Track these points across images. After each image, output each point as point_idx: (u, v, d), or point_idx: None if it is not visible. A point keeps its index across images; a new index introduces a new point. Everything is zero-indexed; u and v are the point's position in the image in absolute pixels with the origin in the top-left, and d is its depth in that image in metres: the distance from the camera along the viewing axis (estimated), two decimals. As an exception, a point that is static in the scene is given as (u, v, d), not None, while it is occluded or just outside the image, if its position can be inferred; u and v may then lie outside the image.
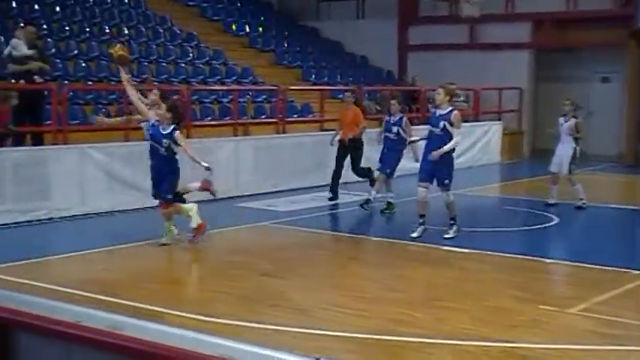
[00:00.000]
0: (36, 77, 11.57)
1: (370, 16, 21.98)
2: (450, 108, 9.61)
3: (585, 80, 19.28)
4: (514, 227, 11.03)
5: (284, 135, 14.21)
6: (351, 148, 12.43)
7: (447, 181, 9.44)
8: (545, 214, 11.56)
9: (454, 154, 9.71)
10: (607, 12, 18.64)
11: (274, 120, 14.57)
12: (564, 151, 12.05)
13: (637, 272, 8.06)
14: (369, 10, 22.22)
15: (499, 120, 19.09)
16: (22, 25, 12.67)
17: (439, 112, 9.62)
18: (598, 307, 6.86)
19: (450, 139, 9.42)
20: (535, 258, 8.88)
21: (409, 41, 21.17)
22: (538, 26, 19.48)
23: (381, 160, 11.51)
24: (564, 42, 19.53)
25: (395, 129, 11.33)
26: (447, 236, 9.46)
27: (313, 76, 19.26)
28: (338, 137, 12.55)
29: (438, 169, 9.47)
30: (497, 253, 9.00)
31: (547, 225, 10.96)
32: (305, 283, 7.90)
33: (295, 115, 15.89)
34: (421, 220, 9.58)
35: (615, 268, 8.25)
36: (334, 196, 12.59)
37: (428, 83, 16.97)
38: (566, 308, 6.81)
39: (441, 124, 9.46)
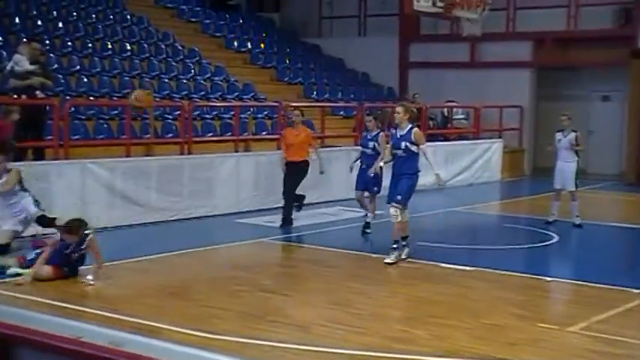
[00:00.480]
0: (38, 92, 11.61)
1: (372, 34, 22.23)
2: (410, 126, 9.41)
3: (586, 99, 19.59)
4: (514, 245, 11.04)
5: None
6: (302, 171, 11.91)
7: (399, 197, 9.23)
8: (546, 232, 11.60)
9: (418, 174, 9.48)
10: (607, 32, 18.88)
11: (275, 136, 14.34)
12: (566, 166, 11.99)
13: (637, 291, 8.06)
14: (370, 27, 22.49)
15: (500, 138, 19.21)
16: (25, 40, 12.77)
17: (399, 132, 9.45)
18: (598, 325, 6.87)
19: (415, 159, 9.35)
20: (535, 276, 8.92)
21: (410, 58, 21.36)
22: (539, 45, 19.65)
23: (358, 180, 11.24)
24: (565, 61, 19.73)
25: (371, 144, 11.11)
26: (387, 261, 9.22)
27: (315, 93, 19.36)
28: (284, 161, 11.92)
29: (395, 185, 9.38)
30: (497, 271, 9.02)
31: (547, 243, 11.00)
32: (304, 300, 7.95)
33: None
34: (404, 243, 9.42)
35: (616, 287, 8.28)
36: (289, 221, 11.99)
37: (429, 100, 17.20)
38: (566, 327, 6.83)
39: (403, 144, 9.29)
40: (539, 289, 8.59)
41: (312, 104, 17.40)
